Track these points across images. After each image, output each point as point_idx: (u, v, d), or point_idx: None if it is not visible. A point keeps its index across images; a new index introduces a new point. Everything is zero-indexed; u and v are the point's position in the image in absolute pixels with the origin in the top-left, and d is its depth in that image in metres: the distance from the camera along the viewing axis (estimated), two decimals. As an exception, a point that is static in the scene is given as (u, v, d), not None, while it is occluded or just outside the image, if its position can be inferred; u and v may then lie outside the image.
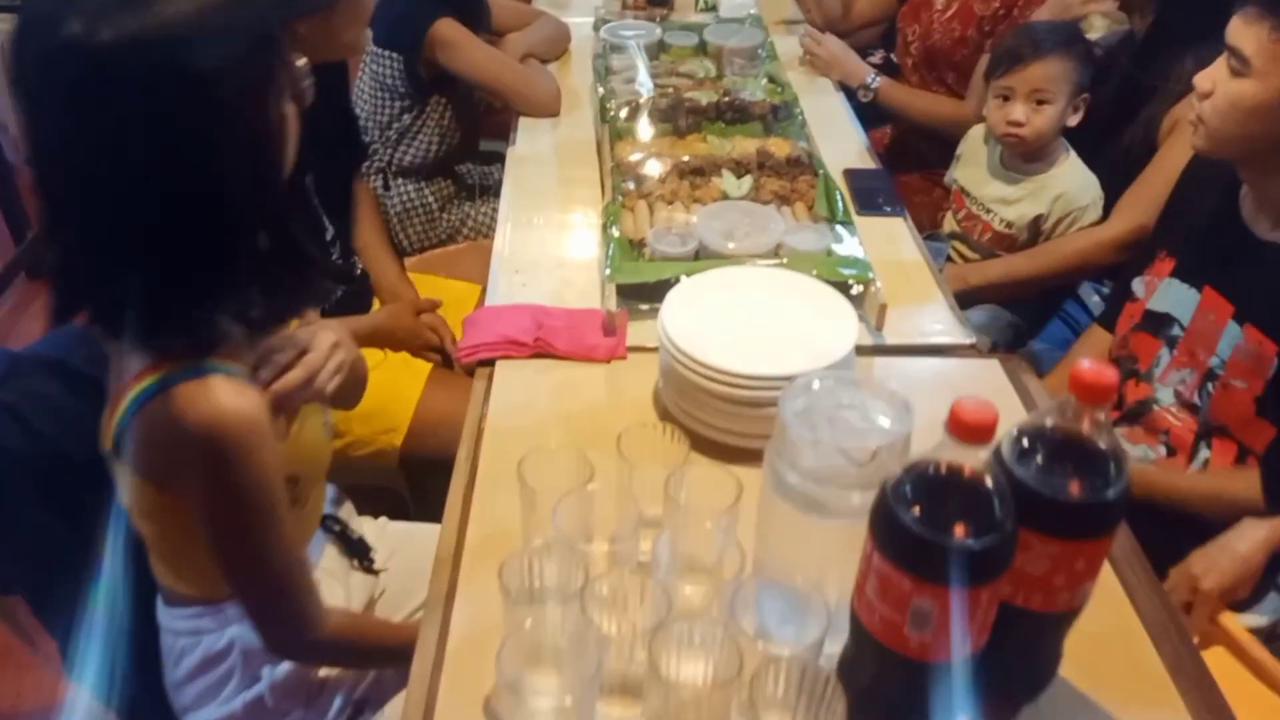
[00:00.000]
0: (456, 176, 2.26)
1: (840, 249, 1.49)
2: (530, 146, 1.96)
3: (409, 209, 2.16)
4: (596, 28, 2.28)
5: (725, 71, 2.10)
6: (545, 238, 1.63)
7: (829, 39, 2.22)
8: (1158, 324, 1.54)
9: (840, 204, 1.59)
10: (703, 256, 1.48)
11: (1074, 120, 1.81)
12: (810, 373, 0.91)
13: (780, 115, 1.88)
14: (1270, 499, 1.37)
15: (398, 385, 1.65)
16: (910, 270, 1.59)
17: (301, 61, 1.06)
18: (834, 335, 1.17)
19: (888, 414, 0.87)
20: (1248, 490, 1.39)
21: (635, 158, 1.72)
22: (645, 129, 1.85)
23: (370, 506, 1.41)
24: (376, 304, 1.81)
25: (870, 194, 1.77)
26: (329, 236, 1.68)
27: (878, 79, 2.15)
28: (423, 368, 1.71)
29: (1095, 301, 1.92)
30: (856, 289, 1.41)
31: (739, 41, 2.18)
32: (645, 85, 1.93)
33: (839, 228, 1.54)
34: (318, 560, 1.22)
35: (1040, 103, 1.81)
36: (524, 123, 2.03)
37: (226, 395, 0.89)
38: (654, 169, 1.69)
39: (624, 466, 0.97)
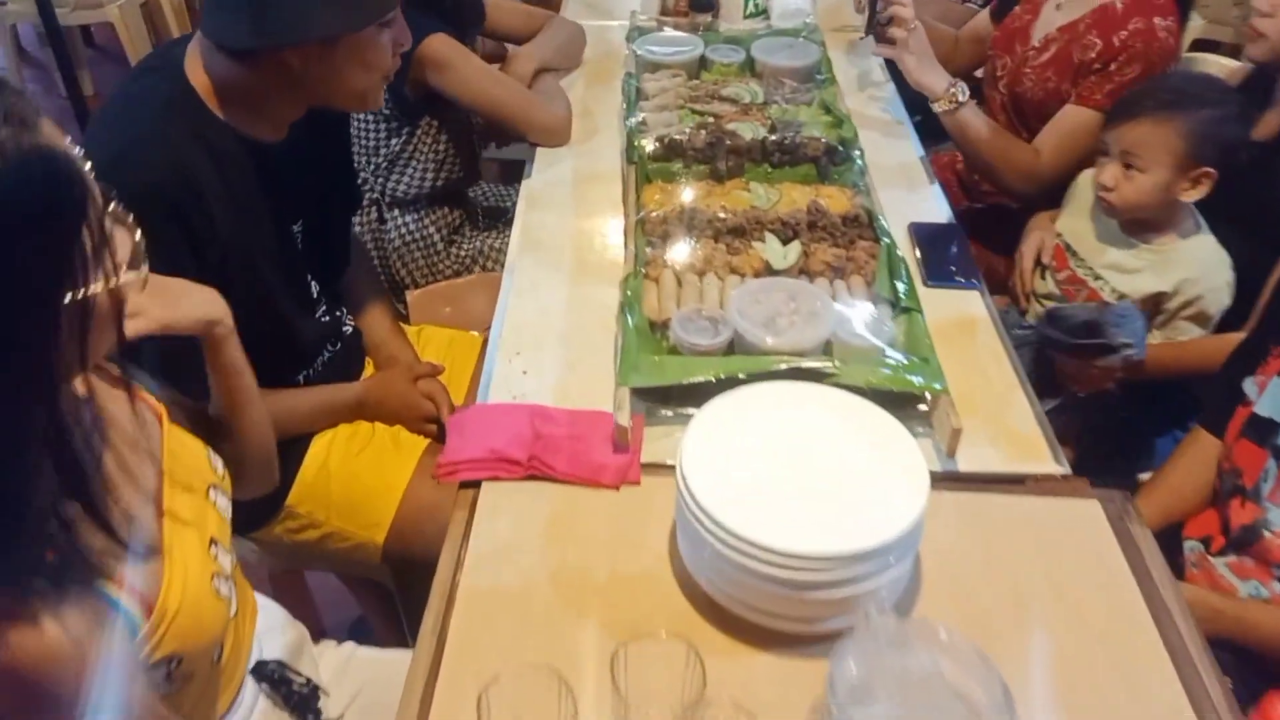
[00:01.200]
0: (466, 203, 2.02)
1: (904, 345, 1.24)
2: (547, 178, 1.71)
3: (408, 243, 1.93)
4: (630, 38, 2.02)
5: (774, 96, 1.83)
6: (553, 311, 1.39)
7: (919, 25, 1.78)
8: (1263, 431, 1.28)
9: (905, 279, 1.33)
10: (738, 349, 1.24)
11: (1190, 196, 1.51)
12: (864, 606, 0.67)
13: (836, 159, 1.61)
14: None
15: (384, 472, 1.43)
16: (987, 364, 1.33)
17: None
18: (897, 493, 0.93)
19: (977, 689, 0.63)
20: None
21: (663, 212, 1.47)
22: (678, 170, 1.60)
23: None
24: (370, 366, 1.59)
25: (941, 258, 1.50)
26: (314, 292, 1.45)
27: (966, 93, 1.76)
28: (414, 446, 1.49)
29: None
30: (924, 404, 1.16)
31: (791, 60, 1.91)
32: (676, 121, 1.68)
33: (904, 316, 1.28)
34: None
35: (1129, 167, 1.52)
36: (540, 155, 1.78)
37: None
38: (685, 227, 1.44)
39: (618, 702, 0.74)
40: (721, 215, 1.45)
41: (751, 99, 1.82)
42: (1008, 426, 1.22)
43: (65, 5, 3.35)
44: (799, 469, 0.97)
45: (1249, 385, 1.32)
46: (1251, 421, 1.29)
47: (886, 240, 1.40)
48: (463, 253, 1.99)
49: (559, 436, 1.14)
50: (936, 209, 1.66)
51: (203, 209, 1.16)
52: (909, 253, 1.52)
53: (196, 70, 1.18)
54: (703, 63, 1.95)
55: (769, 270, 1.38)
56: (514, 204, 2.13)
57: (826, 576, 0.87)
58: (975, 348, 1.36)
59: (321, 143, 1.37)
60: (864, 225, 1.45)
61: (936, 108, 1.76)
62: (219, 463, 0.99)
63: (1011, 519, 1.10)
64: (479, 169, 2.08)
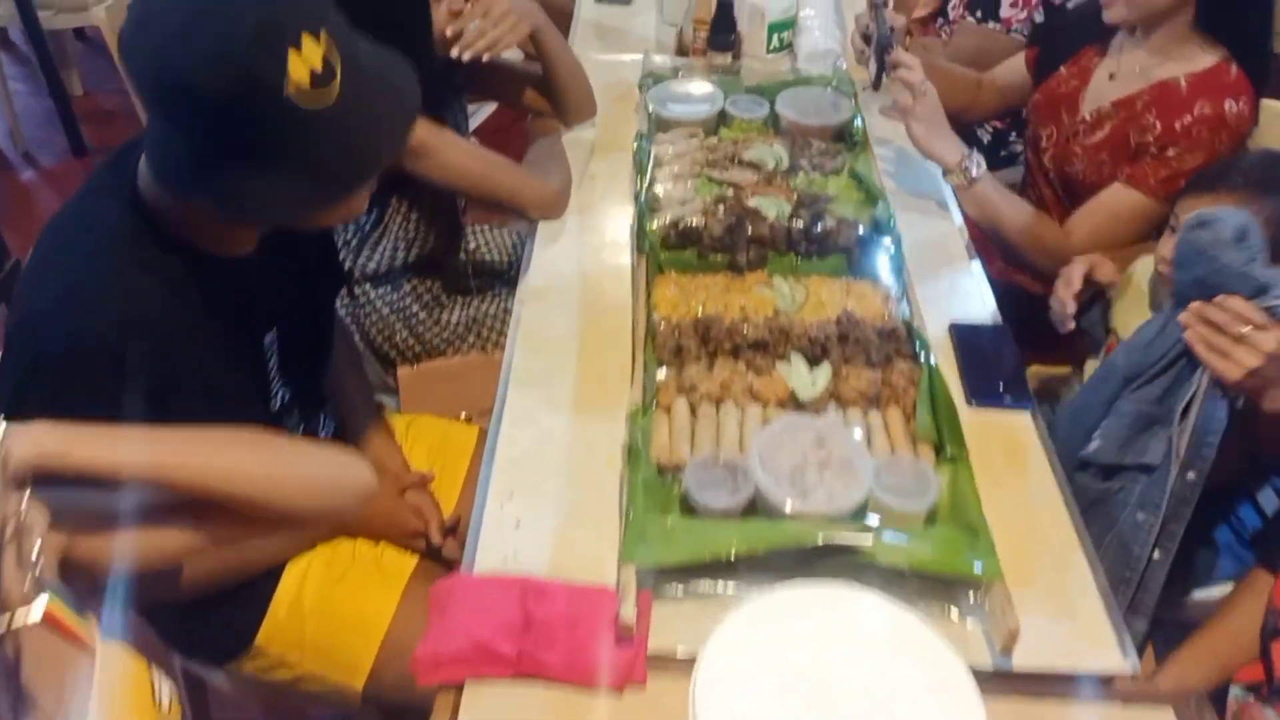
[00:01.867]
0: (446, 270, 1.83)
1: (948, 505, 1.09)
2: (548, 265, 1.54)
3: (386, 316, 1.76)
4: (644, 86, 1.84)
5: (800, 160, 1.66)
6: (552, 442, 1.23)
7: (930, 88, 1.58)
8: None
9: (949, 415, 1.18)
10: (759, 506, 1.09)
11: None
12: None
13: (869, 248, 1.45)
14: None
15: (365, 604, 1.29)
16: (1040, 510, 1.17)
17: None
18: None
19: None
20: None
21: (676, 321, 1.31)
22: (693, 261, 1.44)
23: None
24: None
25: (986, 371, 1.34)
26: (282, 400, 1.30)
27: (981, 165, 1.56)
28: (400, 569, 1.35)
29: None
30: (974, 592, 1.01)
31: (819, 118, 1.74)
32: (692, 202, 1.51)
33: (949, 464, 1.13)
34: None
35: None
36: (542, 230, 1.61)
37: None
38: (699, 340, 1.28)
39: None
40: (742, 326, 1.29)
41: (775, 164, 1.65)
42: (1067, 600, 1.07)
43: (49, 9, 3.18)
44: (828, 702, 0.83)
45: None
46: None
47: (927, 363, 1.25)
48: (453, 320, 1.83)
49: (554, 622, 1.00)
50: (979, 298, 1.49)
51: (157, 352, 1.01)
52: (949, 356, 1.36)
53: (146, 190, 1.03)
54: (722, 117, 1.78)
55: (794, 400, 1.22)
56: (513, 258, 2.00)
57: None
58: (1026, 486, 1.21)
59: (299, 235, 1.22)
60: (901, 340, 1.29)
61: (948, 180, 1.58)
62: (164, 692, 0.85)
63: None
64: (462, 237, 1.91)
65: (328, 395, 1.42)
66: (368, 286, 1.76)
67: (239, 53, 0.87)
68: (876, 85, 1.65)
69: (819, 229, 1.45)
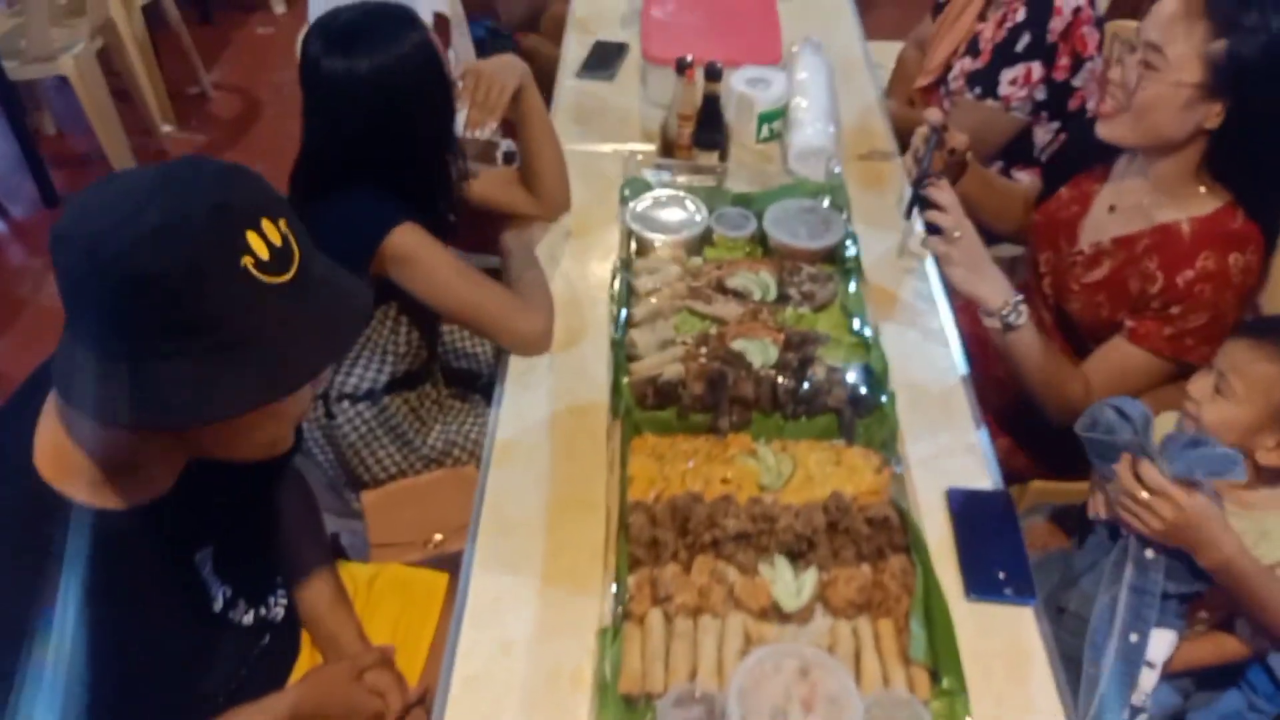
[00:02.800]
0: (427, 381, 1.76)
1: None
2: (516, 421, 1.43)
3: (365, 437, 1.68)
4: (625, 196, 1.74)
5: (789, 285, 1.56)
6: (510, 674, 1.12)
7: (968, 228, 1.46)
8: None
9: (947, 638, 1.08)
10: (738, 759, 0.99)
11: (1270, 459, 1.26)
12: None
13: (861, 410, 1.35)
14: None
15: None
16: (1044, 733, 1.09)
17: None
18: None
19: None
20: None
21: (651, 509, 1.21)
22: (672, 421, 1.34)
23: None
24: (304, 656, 1.36)
25: (985, 555, 1.25)
26: (224, 598, 1.20)
27: (1023, 314, 1.43)
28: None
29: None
30: None
31: (810, 239, 1.63)
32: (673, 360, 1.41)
33: (943, 702, 1.04)
34: None
35: (1219, 392, 1.29)
36: (513, 371, 1.51)
37: None
38: (676, 533, 1.18)
39: None
40: (721, 516, 1.19)
41: (762, 294, 1.55)
42: None
43: (15, 59, 3.05)
44: None
45: None
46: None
47: (923, 565, 1.15)
48: (433, 439, 1.74)
49: None
50: (978, 461, 1.39)
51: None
52: (942, 522, 1.27)
53: (48, 447, 0.93)
54: (706, 234, 1.67)
55: (777, 610, 1.13)
56: (486, 366, 1.90)
57: None
58: (1025, 697, 1.11)
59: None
60: (894, 530, 1.19)
61: (987, 322, 1.47)
62: None
63: None
64: (440, 342, 1.81)
65: (276, 568, 1.32)
66: (346, 404, 1.66)
67: (193, 228, 0.82)
68: (908, 215, 1.55)
69: (807, 388, 1.35)
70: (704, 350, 1.43)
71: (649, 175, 1.79)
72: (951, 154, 1.68)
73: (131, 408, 0.86)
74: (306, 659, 1.37)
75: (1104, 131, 1.47)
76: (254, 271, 0.84)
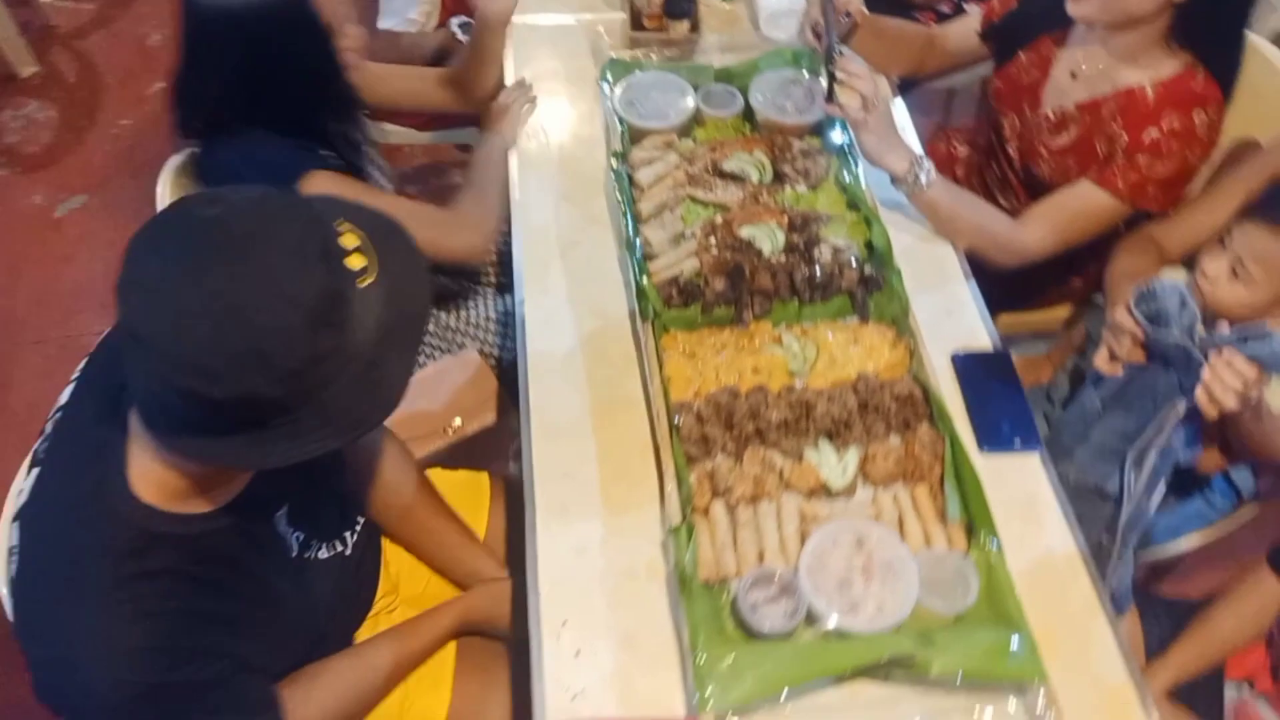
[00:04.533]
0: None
1: (985, 593, 1.15)
2: (544, 337, 1.45)
3: None
4: (605, 76, 1.71)
5: (784, 164, 1.60)
6: (589, 570, 1.23)
7: (877, 82, 1.52)
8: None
9: (978, 495, 1.22)
10: (811, 622, 1.13)
11: None
12: None
13: (872, 288, 1.43)
14: None
15: (419, 705, 1.33)
16: (1060, 568, 1.24)
17: None
18: None
19: None
20: None
21: (696, 406, 1.30)
22: (696, 318, 1.41)
23: None
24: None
25: (992, 408, 1.38)
26: (298, 542, 1.24)
27: (931, 173, 1.51)
28: (443, 659, 1.37)
29: None
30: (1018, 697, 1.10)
31: (797, 115, 1.65)
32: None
33: (980, 555, 1.19)
34: None
35: (1236, 276, 1.38)
36: (529, 274, 1.53)
37: None
38: (723, 425, 1.28)
39: None
40: (762, 407, 1.28)
41: (760, 175, 1.59)
42: (1096, 674, 1.16)
43: None
44: None
45: None
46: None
47: (949, 434, 1.27)
48: (430, 328, 1.79)
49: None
50: (975, 319, 1.51)
51: (180, 649, 0.98)
52: (951, 385, 1.39)
53: (146, 475, 0.95)
54: (696, 119, 1.68)
55: (825, 490, 1.25)
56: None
57: None
58: (1042, 537, 1.28)
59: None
60: (918, 403, 1.31)
61: (898, 188, 1.54)
62: None
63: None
64: None
65: (348, 506, 1.37)
66: None
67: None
68: (829, 98, 1.56)
69: (820, 274, 1.42)
70: (713, 241, 1.48)
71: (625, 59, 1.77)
72: (847, 16, 1.68)
73: (253, 459, 0.92)
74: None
75: (1074, 11, 1.50)
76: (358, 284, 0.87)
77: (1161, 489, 1.39)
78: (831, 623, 1.11)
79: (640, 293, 1.40)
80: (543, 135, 1.73)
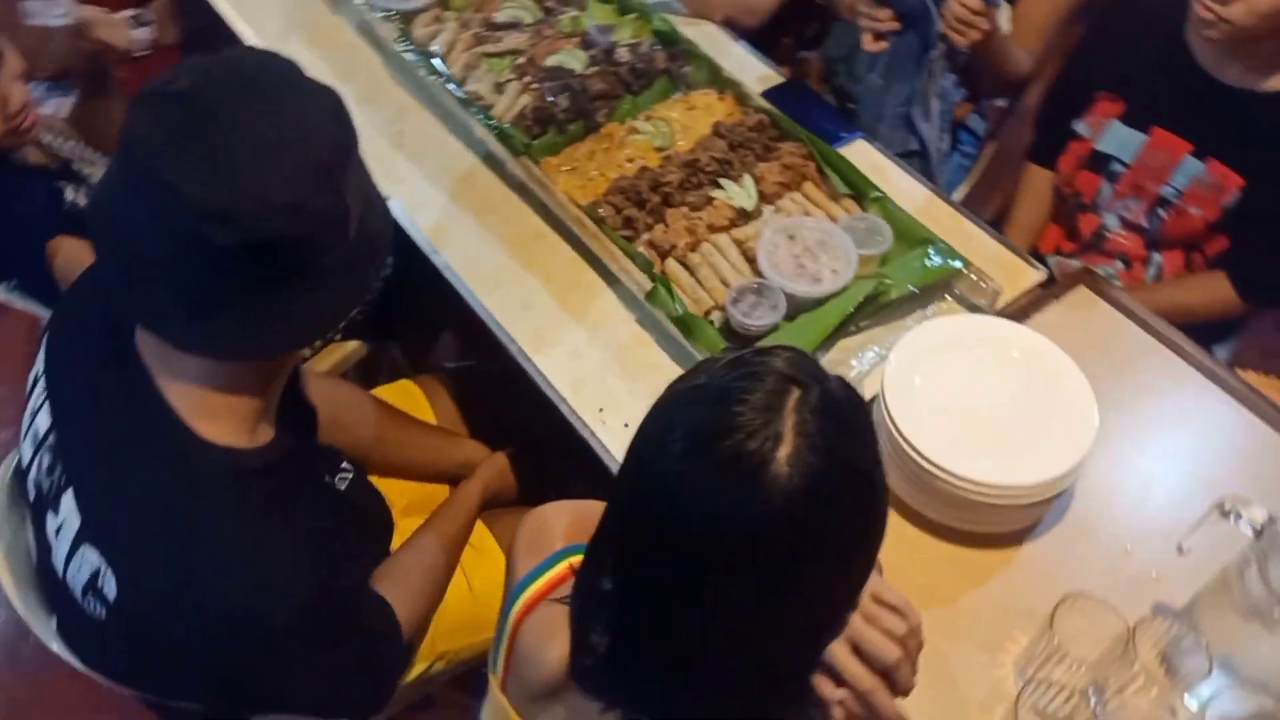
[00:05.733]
0: None
1: (896, 231, 1.40)
2: (427, 213, 1.51)
3: None
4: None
5: (546, 2, 1.73)
6: (596, 362, 1.34)
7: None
8: (1100, 163, 1.67)
9: (852, 169, 1.47)
10: (796, 311, 1.33)
11: None
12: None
13: (681, 63, 1.62)
14: (1243, 290, 1.63)
15: (472, 576, 1.37)
16: (931, 210, 1.52)
17: None
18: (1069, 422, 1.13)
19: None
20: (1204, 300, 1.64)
21: (603, 196, 1.43)
22: (558, 139, 1.52)
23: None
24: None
25: (815, 121, 1.61)
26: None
27: None
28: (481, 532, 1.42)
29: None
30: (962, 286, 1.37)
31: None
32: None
33: (875, 204, 1.44)
34: None
35: None
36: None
37: None
38: (636, 203, 1.42)
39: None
40: (659, 176, 1.44)
41: (532, 16, 1.70)
42: (980, 251, 1.46)
43: None
44: (985, 400, 1.16)
45: (1080, 126, 1.66)
46: (1091, 156, 1.66)
47: (807, 137, 1.51)
48: None
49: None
50: (757, 64, 1.75)
51: (320, 565, 0.97)
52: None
53: (199, 409, 0.92)
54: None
55: (743, 215, 1.44)
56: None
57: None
58: (902, 191, 1.54)
59: None
60: (770, 126, 1.53)
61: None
62: None
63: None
64: None
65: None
66: None
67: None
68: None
69: (639, 64, 1.58)
70: (529, 79, 1.59)
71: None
72: None
73: (296, 330, 0.91)
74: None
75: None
76: None
77: (949, 131, 1.73)
78: (810, 297, 1.32)
79: (503, 135, 1.49)
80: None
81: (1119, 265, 1.74)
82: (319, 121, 0.86)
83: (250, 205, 0.80)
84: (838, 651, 0.73)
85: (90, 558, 0.94)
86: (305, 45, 1.74)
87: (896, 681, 0.73)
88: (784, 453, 0.64)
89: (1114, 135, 1.64)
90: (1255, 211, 1.54)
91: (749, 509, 0.65)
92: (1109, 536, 1.18)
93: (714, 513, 0.65)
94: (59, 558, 0.98)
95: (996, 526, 1.16)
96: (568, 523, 0.90)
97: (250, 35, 1.74)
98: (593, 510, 0.92)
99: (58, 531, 0.98)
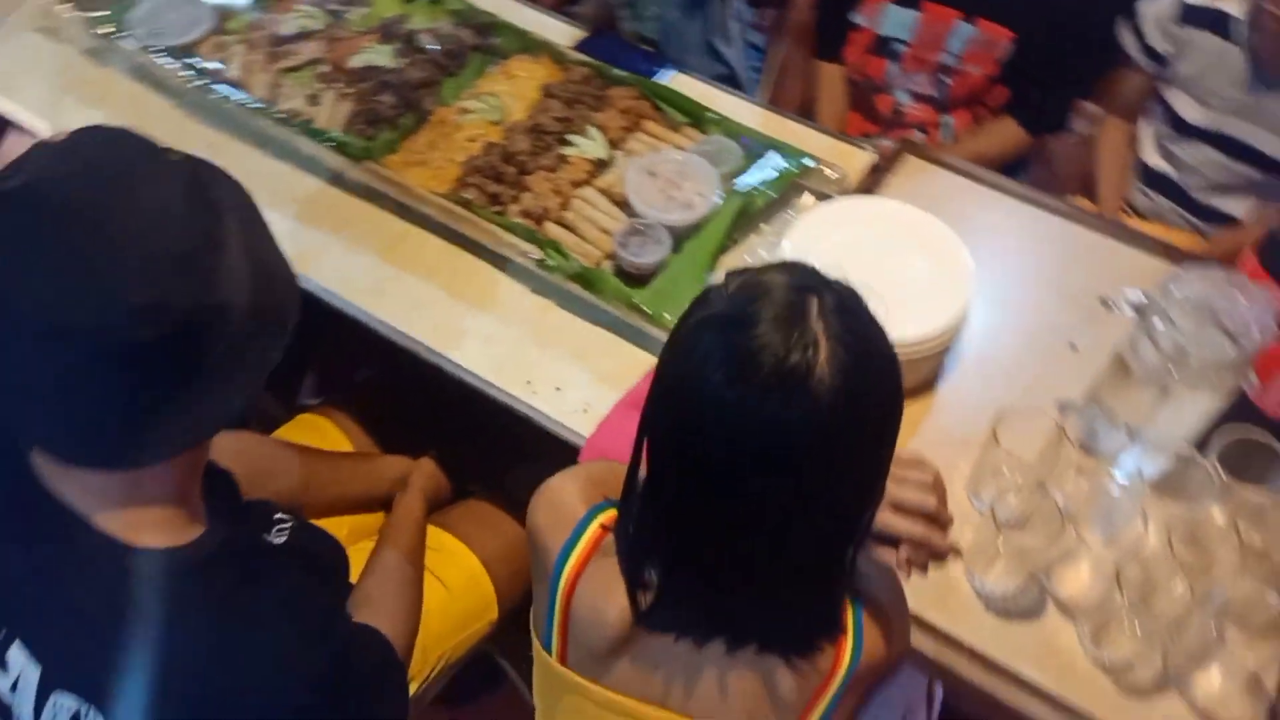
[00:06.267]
0: None
1: (742, 145, 1.49)
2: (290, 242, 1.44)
3: None
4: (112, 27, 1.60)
5: (327, 5, 1.67)
6: (514, 341, 1.35)
7: None
8: (883, 45, 1.83)
9: (686, 100, 1.53)
10: (679, 240, 1.38)
11: None
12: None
13: (489, 35, 1.62)
14: (1032, 128, 1.84)
15: (447, 570, 1.36)
16: (764, 120, 1.61)
17: None
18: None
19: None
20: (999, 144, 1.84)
21: (461, 178, 1.42)
22: (393, 138, 1.49)
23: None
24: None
25: (624, 63, 1.67)
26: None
27: None
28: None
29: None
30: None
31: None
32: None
33: (712, 125, 1.51)
34: None
35: None
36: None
37: None
38: (495, 176, 1.43)
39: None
40: (504, 148, 1.45)
41: (321, 23, 1.65)
42: (814, 146, 1.57)
43: None
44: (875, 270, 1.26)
45: (858, 17, 1.81)
46: (875, 41, 1.81)
47: (637, 79, 1.55)
48: None
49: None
50: (559, 27, 1.77)
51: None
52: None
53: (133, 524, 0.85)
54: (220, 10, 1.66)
55: (600, 166, 1.47)
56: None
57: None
58: (738, 112, 1.61)
59: None
60: (594, 78, 1.56)
61: None
62: None
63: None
64: None
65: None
66: None
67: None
68: None
69: (441, 48, 1.57)
70: (341, 84, 1.54)
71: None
72: None
73: (196, 427, 0.83)
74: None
75: None
76: None
77: (749, 54, 1.83)
78: (691, 224, 1.38)
79: (341, 144, 1.44)
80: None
81: (919, 135, 1.91)
82: (174, 205, 0.76)
83: (103, 315, 0.72)
84: (886, 518, 0.79)
85: (66, 702, 0.85)
86: (82, 107, 1.60)
87: (943, 521, 0.81)
88: (822, 357, 0.68)
89: (890, 18, 1.79)
90: (1027, 57, 1.73)
91: (800, 416, 0.69)
92: (1009, 358, 1.32)
93: (767, 427, 0.69)
94: (24, 715, 0.89)
95: (916, 378, 1.27)
96: (579, 488, 0.91)
97: (13, 110, 1.58)
98: (593, 471, 0.95)
99: (13, 688, 0.89)
